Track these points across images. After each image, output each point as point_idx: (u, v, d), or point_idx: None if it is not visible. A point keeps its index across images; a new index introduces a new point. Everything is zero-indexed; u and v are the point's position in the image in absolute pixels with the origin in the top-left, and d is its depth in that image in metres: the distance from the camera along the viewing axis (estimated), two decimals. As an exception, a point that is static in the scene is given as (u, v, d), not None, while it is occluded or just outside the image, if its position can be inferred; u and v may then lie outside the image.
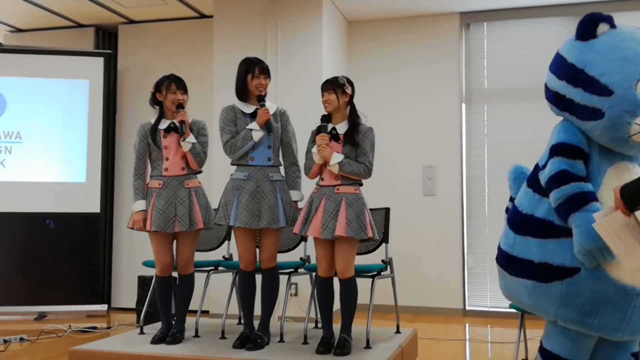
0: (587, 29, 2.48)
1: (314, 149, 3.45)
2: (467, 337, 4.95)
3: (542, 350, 2.56)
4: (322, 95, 3.51)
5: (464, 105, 5.95)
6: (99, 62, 5.95)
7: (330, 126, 3.50)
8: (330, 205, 3.39)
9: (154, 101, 3.81)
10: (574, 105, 2.47)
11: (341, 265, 3.43)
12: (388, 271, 3.95)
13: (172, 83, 3.74)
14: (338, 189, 3.42)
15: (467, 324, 5.41)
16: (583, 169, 2.40)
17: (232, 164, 3.69)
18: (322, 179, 3.47)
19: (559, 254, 2.39)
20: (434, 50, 5.99)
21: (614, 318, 2.35)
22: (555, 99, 2.59)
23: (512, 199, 2.89)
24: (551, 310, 2.46)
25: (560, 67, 2.57)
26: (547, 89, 2.68)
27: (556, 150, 2.45)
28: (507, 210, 2.91)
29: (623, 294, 2.30)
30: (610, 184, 2.37)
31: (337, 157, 3.40)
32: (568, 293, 2.37)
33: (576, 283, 2.34)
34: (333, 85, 3.48)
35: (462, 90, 5.95)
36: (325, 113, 3.52)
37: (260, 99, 3.61)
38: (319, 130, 3.48)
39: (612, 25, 2.49)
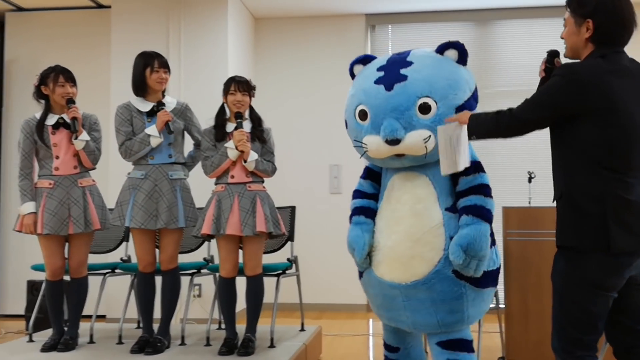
0: (349, 72, 2.87)
1: (229, 144, 3.36)
2: (370, 332, 5.03)
3: (383, 342, 2.94)
4: (232, 94, 3.42)
5: (368, 104, 6.02)
6: (-17, 51, 5.55)
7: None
8: (245, 202, 3.35)
9: (39, 95, 3.56)
10: None
11: (252, 262, 3.41)
12: (293, 269, 3.94)
13: (60, 75, 3.50)
14: (250, 187, 3.40)
15: (370, 319, 5.49)
16: (371, 186, 2.83)
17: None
18: (233, 177, 3.40)
19: None
20: (340, 50, 6.02)
21: (395, 310, 2.67)
22: None
23: None
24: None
25: None
26: None
27: (363, 172, 2.90)
28: None
29: (389, 289, 2.61)
30: (388, 196, 2.71)
31: (254, 154, 3.38)
32: (364, 290, 2.83)
33: (363, 282, 2.79)
34: (248, 88, 3.46)
35: (367, 89, 6.02)
36: (235, 111, 3.44)
37: (160, 104, 3.47)
38: (237, 126, 3.39)
39: (366, 63, 2.80)
